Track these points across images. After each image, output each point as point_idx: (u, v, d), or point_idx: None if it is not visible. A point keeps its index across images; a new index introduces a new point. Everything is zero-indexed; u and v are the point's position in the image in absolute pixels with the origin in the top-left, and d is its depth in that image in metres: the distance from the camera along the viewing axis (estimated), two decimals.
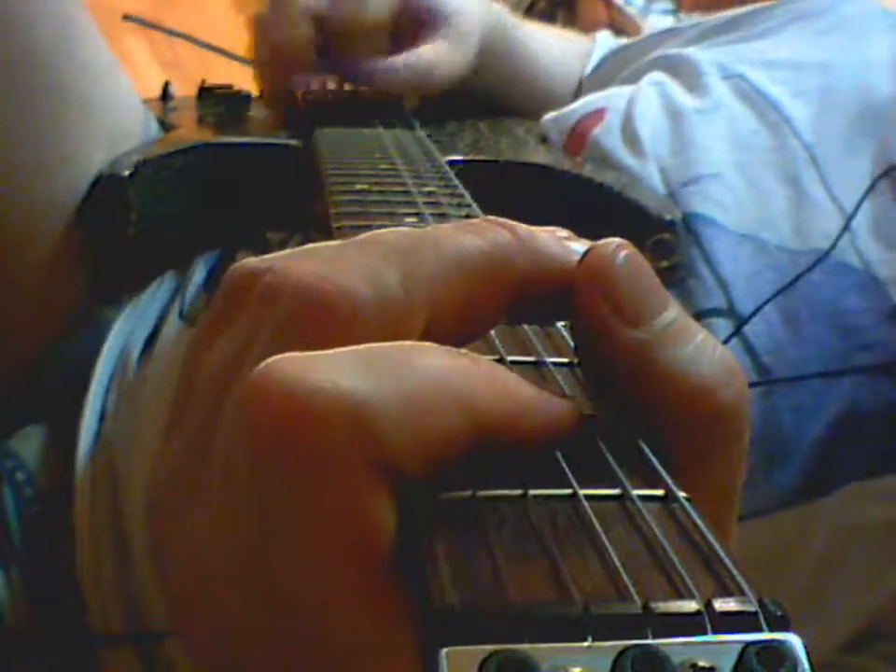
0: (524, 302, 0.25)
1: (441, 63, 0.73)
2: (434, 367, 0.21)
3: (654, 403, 0.24)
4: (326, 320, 0.22)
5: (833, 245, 0.58)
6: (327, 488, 0.20)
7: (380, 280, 0.23)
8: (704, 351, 0.24)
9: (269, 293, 0.23)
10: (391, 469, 0.20)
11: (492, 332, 0.29)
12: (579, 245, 0.26)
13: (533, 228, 0.26)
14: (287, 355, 0.21)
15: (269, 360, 0.21)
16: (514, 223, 0.25)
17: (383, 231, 0.25)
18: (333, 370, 0.20)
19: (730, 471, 0.25)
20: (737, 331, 0.56)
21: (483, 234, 0.25)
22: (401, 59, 0.72)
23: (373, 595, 0.20)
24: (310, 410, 0.20)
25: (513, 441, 0.22)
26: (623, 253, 0.24)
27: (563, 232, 0.26)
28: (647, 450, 0.24)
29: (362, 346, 0.22)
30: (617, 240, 0.24)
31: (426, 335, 0.23)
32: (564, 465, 0.23)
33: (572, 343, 0.27)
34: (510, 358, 0.28)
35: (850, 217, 0.59)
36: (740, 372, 0.25)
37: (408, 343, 0.23)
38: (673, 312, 0.24)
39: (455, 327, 0.24)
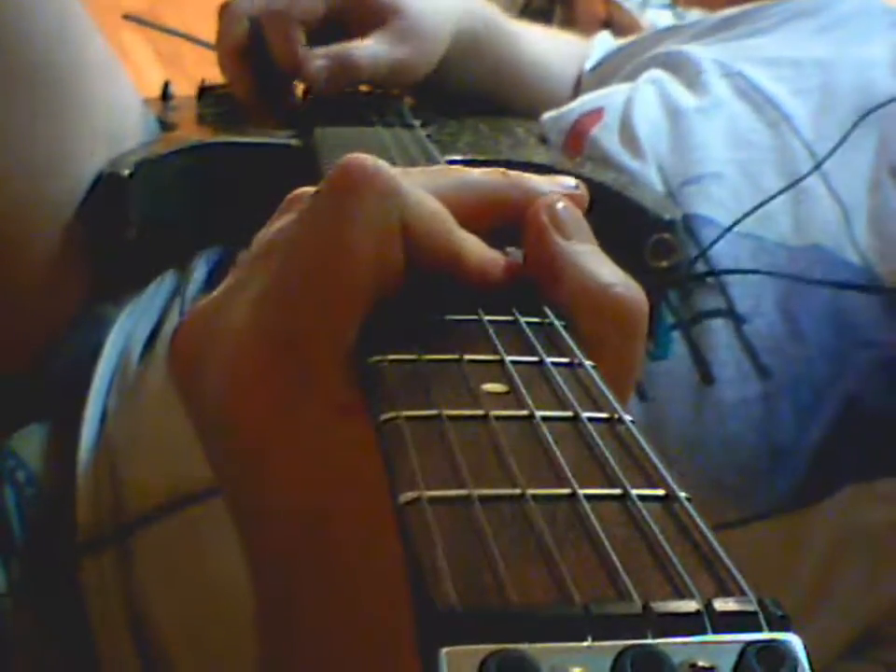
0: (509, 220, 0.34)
1: (365, 58, 0.71)
2: (473, 177, 0.35)
3: (571, 294, 0.31)
4: (375, 183, 0.30)
5: (811, 172, 0.61)
6: (375, 222, 0.29)
7: (408, 174, 0.32)
8: (613, 267, 0.32)
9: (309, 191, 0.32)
10: (406, 231, 0.29)
11: (492, 332, 0.30)
12: (565, 181, 0.35)
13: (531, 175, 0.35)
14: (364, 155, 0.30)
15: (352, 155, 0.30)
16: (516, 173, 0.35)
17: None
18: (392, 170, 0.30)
19: (626, 354, 0.31)
20: (738, 331, 0.56)
21: (487, 174, 0.35)
22: (323, 49, 0.70)
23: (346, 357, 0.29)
24: (378, 177, 0.30)
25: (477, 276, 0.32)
26: (565, 201, 0.33)
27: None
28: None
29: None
30: (557, 192, 0.34)
31: None
32: (562, 463, 0.23)
33: (582, 359, 0.29)
34: (509, 358, 0.28)
35: (822, 161, 0.60)
36: (637, 287, 0.31)
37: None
38: (594, 245, 0.32)
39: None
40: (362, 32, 0.72)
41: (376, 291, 0.29)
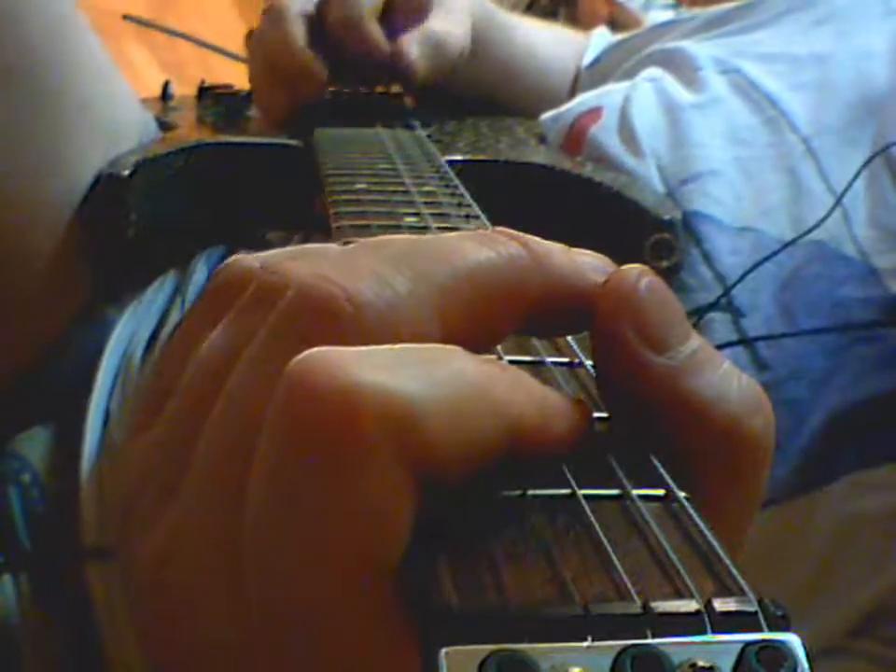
0: (532, 318, 0.25)
1: (447, 34, 0.71)
2: (468, 370, 0.21)
3: (680, 430, 0.24)
4: (328, 323, 0.22)
5: (824, 219, 0.58)
6: (366, 488, 0.19)
7: (387, 286, 0.22)
8: (730, 379, 0.24)
9: (267, 292, 0.23)
10: (431, 475, 0.20)
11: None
12: (592, 262, 0.25)
13: (546, 243, 0.25)
14: (326, 349, 0.20)
15: (310, 352, 0.20)
16: (528, 237, 0.25)
17: (393, 237, 0.25)
18: (376, 366, 0.20)
19: (753, 495, 0.25)
20: (735, 324, 0.56)
21: (496, 248, 0.24)
22: (408, 38, 0.70)
23: (384, 599, 0.20)
24: (361, 407, 0.19)
25: (543, 448, 0.22)
26: (648, 279, 0.24)
27: (584, 256, 0.26)
28: (659, 465, 0.24)
29: (397, 346, 0.21)
30: (640, 266, 0.24)
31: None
32: (567, 468, 0.23)
33: (582, 359, 0.27)
34: (508, 358, 0.28)
35: (841, 195, 0.59)
36: (766, 400, 0.25)
37: (437, 346, 0.22)
38: (697, 341, 0.24)
39: (464, 339, 0.23)
40: (403, 23, 0.72)
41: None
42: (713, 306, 0.56)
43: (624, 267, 0.24)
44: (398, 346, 0.21)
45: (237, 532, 0.21)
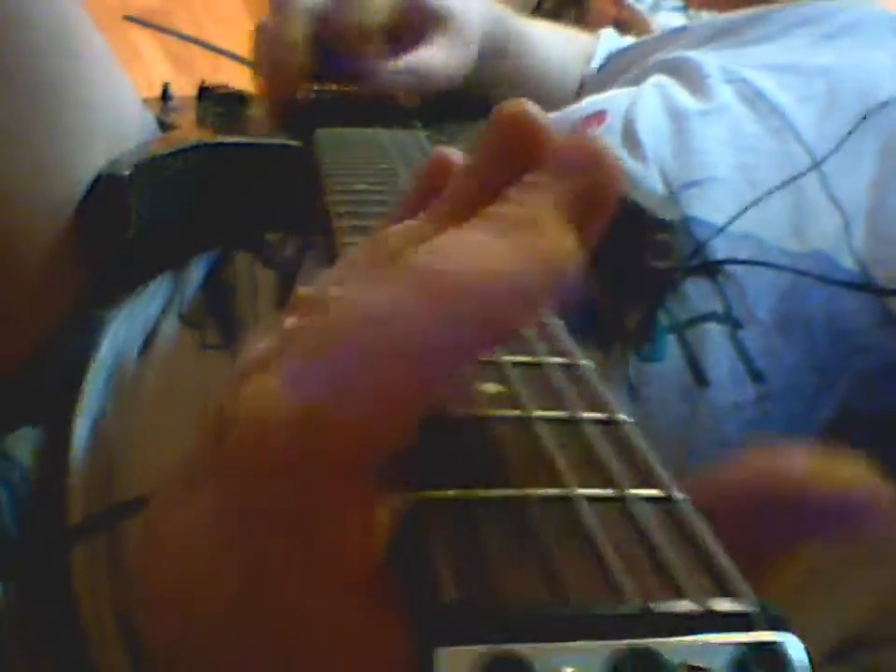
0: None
1: (439, 66, 0.73)
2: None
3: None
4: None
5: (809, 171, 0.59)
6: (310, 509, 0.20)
7: None
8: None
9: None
10: (374, 456, 0.21)
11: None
12: None
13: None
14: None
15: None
16: None
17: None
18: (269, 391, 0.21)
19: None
20: (733, 336, 0.56)
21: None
22: (402, 62, 0.72)
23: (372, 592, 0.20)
24: (266, 432, 0.21)
25: None
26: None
27: None
28: (659, 466, 0.24)
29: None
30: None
31: None
32: (561, 464, 0.23)
33: (582, 359, 0.28)
34: (508, 358, 0.28)
35: (822, 160, 0.60)
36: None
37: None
38: None
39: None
40: (415, 34, 0.74)
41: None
42: (692, 270, 0.57)
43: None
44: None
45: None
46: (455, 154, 0.31)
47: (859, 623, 0.52)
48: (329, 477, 0.20)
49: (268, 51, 0.74)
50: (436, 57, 0.73)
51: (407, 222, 0.28)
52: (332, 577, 0.20)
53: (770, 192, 0.60)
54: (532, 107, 0.27)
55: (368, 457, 0.21)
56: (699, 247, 0.58)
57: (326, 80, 0.75)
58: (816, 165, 0.60)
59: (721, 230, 0.58)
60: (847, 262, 0.57)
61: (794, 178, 0.60)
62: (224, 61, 0.74)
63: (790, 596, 0.50)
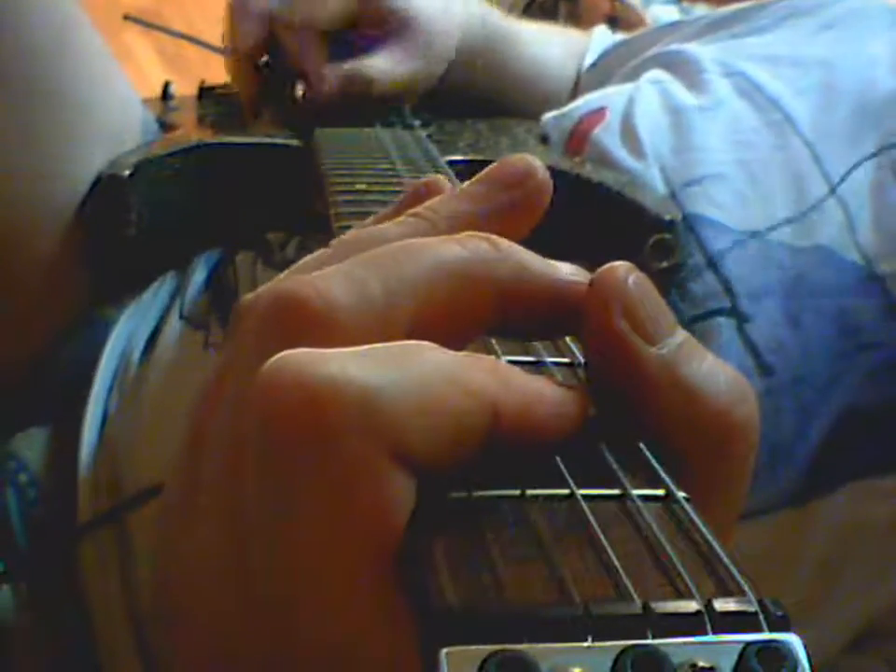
0: (508, 316, 0.25)
1: (378, 74, 0.70)
2: (439, 359, 0.22)
3: (671, 419, 0.24)
4: (303, 324, 0.22)
5: (820, 201, 0.58)
6: (343, 475, 0.20)
7: (360, 286, 0.23)
8: (717, 370, 0.25)
9: (248, 306, 0.24)
10: (407, 458, 0.21)
11: None
12: (564, 265, 0.26)
13: (517, 245, 0.26)
14: (295, 350, 0.21)
15: (280, 355, 0.21)
16: (498, 237, 0.25)
17: (362, 231, 0.26)
18: (343, 361, 0.21)
19: (739, 484, 0.25)
20: (740, 330, 0.56)
21: (464, 244, 0.25)
22: (344, 67, 0.70)
23: (383, 586, 0.20)
24: (324, 398, 0.20)
25: (528, 434, 0.22)
26: (635, 274, 0.24)
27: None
28: (650, 455, 0.24)
29: (366, 346, 0.22)
30: (625, 262, 0.25)
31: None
32: (563, 465, 0.23)
33: (581, 359, 0.27)
34: (508, 358, 0.28)
35: (837, 185, 0.59)
36: (751, 391, 0.25)
37: (408, 341, 0.23)
38: (683, 333, 0.25)
39: (438, 335, 0.23)
40: (376, 37, 0.72)
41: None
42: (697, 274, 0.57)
43: (611, 264, 0.25)
44: (369, 346, 0.22)
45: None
46: (448, 185, 0.30)
47: (879, 615, 0.52)
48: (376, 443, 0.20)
49: (230, 25, 0.73)
50: (377, 65, 0.71)
51: (381, 225, 0.28)
52: (362, 541, 0.20)
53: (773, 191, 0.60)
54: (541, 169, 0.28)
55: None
56: (702, 246, 0.58)
57: (276, 74, 0.74)
58: (832, 192, 0.60)
59: (726, 228, 0.58)
60: (853, 256, 0.57)
61: (813, 206, 0.60)
62: (219, 62, 0.74)
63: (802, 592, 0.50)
